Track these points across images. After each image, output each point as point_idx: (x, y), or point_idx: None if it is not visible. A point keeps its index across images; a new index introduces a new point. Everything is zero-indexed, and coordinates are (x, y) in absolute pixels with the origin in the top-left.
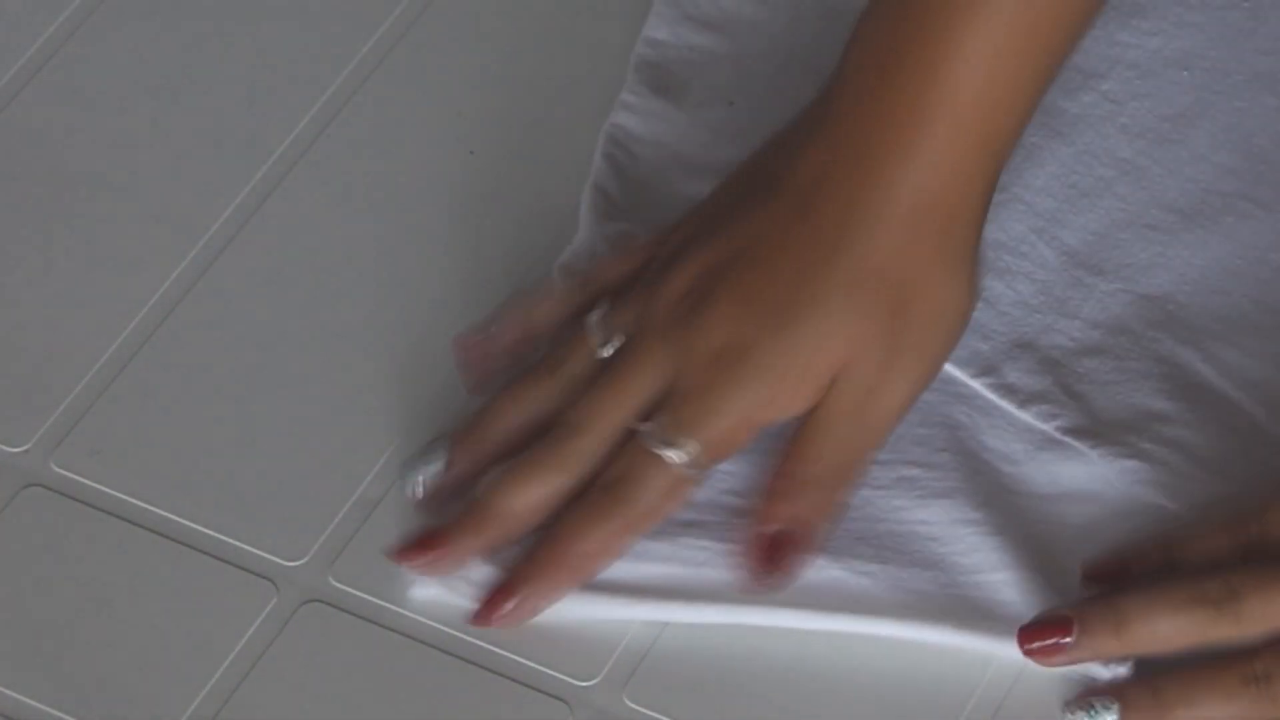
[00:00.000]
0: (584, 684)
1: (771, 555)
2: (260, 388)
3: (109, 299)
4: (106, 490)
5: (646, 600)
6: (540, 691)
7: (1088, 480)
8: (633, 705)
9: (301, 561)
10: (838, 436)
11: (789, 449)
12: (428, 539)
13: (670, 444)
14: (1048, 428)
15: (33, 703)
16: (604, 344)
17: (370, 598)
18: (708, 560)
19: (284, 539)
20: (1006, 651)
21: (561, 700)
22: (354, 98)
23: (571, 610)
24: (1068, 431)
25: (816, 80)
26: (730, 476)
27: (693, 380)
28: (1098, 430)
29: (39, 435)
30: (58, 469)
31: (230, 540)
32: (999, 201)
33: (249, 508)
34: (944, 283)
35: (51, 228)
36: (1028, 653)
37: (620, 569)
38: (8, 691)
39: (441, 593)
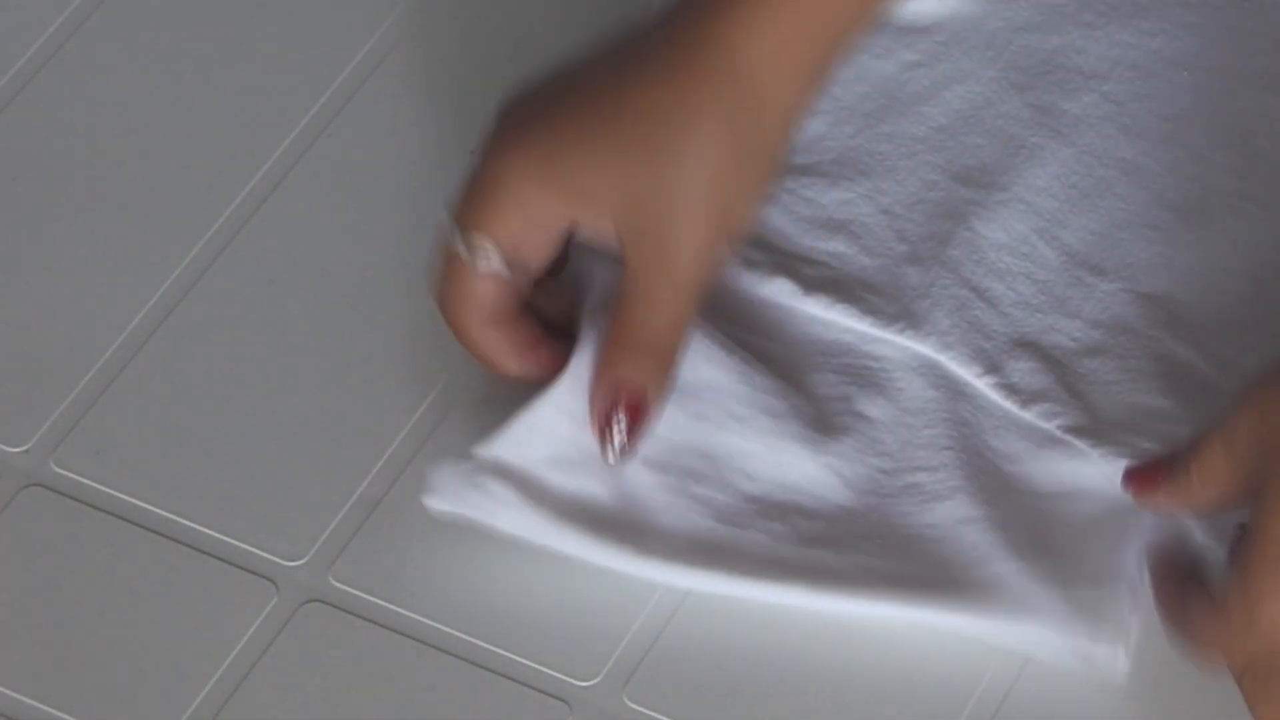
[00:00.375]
0: (584, 684)
1: (608, 423)
2: (260, 388)
3: (109, 299)
4: (106, 490)
5: (651, 560)
6: (540, 691)
7: (1089, 479)
8: (633, 705)
9: (301, 561)
10: (652, 297)
11: (613, 317)
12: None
13: (457, 233)
14: (1049, 426)
15: (33, 703)
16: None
17: (370, 598)
18: (717, 540)
19: (284, 539)
20: (1006, 636)
21: (561, 700)
22: (354, 98)
23: (575, 550)
24: (1069, 430)
25: None
26: (747, 457)
27: (482, 172)
28: (1099, 430)
29: (39, 435)
30: (58, 469)
31: (230, 540)
32: (1000, 202)
33: (249, 508)
34: (737, 158)
35: (51, 228)
36: (1128, 485)
37: (625, 539)
38: (8, 691)
39: (456, 505)
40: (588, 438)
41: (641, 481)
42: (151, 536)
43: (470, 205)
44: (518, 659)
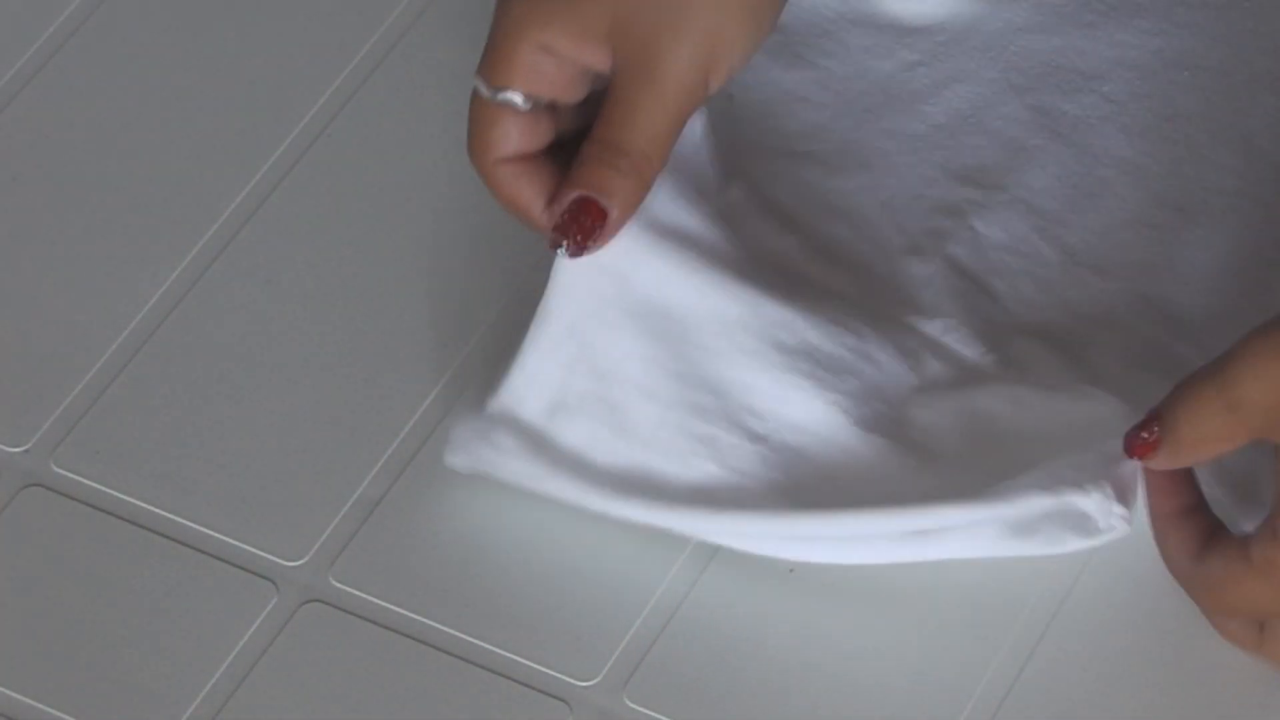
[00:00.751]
0: (584, 684)
1: (572, 220)
2: (260, 388)
3: (109, 299)
4: (106, 490)
5: (654, 509)
6: (540, 691)
7: (1107, 417)
8: (633, 705)
9: (301, 561)
10: (634, 106)
11: (598, 119)
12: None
13: (482, 83)
14: (1062, 377)
15: (33, 703)
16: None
17: (370, 598)
18: (720, 488)
19: (284, 539)
20: (1000, 522)
21: (561, 700)
22: (354, 98)
23: (584, 502)
24: (1080, 381)
25: (813, 74)
26: (753, 393)
27: (494, 27)
28: (1109, 384)
29: (39, 435)
30: (58, 469)
31: (230, 540)
32: (1000, 202)
33: (249, 508)
34: None
35: (51, 228)
36: (1131, 454)
37: (630, 489)
38: (8, 691)
39: (472, 462)
40: (579, 382)
41: (645, 421)
42: (151, 536)
43: (487, 59)
44: (518, 659)
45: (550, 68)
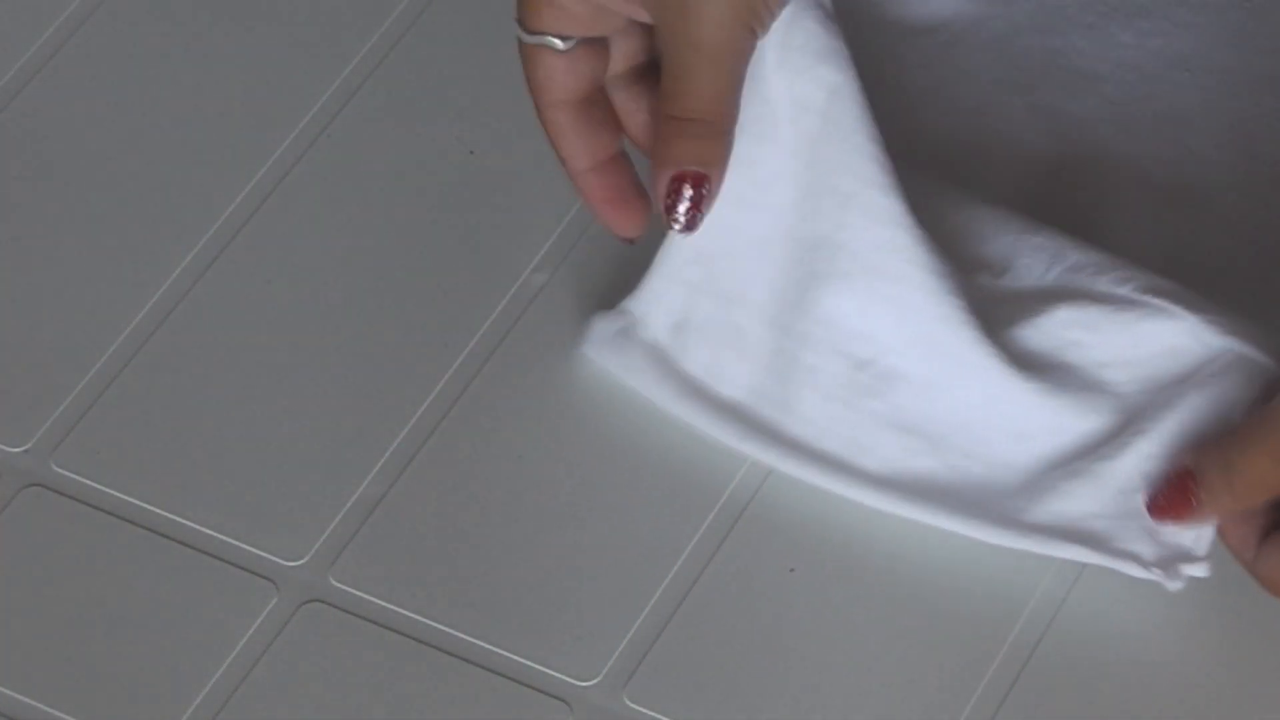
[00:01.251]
0: (584, 684)
1: (675, 198)
2: (260, 388)
3: (109, 299)
4: (106, 490)
5: (759, 442)
6: (540, 691)
7: (1174, 335)
8: (633, 705)
9: (301, 561)
10: (687, 71)
11: (659, 92)
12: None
13: (520, 28)
14: (1124, 290)
15: (33, 703)
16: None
17: (370, 598)
18: (822, 425)
19: (284, 539)
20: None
21: (561, 700)
22: (354, 97)
23: (697, 423)
24: (1146, 291)
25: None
26: (862, 319)
27: None
28: (1178, 292)
29: (39, 435)
30: (58, 469)
31: (230, 540)
32: (1001, 209)
33: (249, 508)
34: None
35: (51, 228)
36: (1159, 519)
37: (739, 419)
38: (8, 691)
39: (607, 362)
40: (705, 303)
41: (764, 346)
42: (151, 536)
43: (519, 5)
44: (518, 659)
45: (575, 6)
